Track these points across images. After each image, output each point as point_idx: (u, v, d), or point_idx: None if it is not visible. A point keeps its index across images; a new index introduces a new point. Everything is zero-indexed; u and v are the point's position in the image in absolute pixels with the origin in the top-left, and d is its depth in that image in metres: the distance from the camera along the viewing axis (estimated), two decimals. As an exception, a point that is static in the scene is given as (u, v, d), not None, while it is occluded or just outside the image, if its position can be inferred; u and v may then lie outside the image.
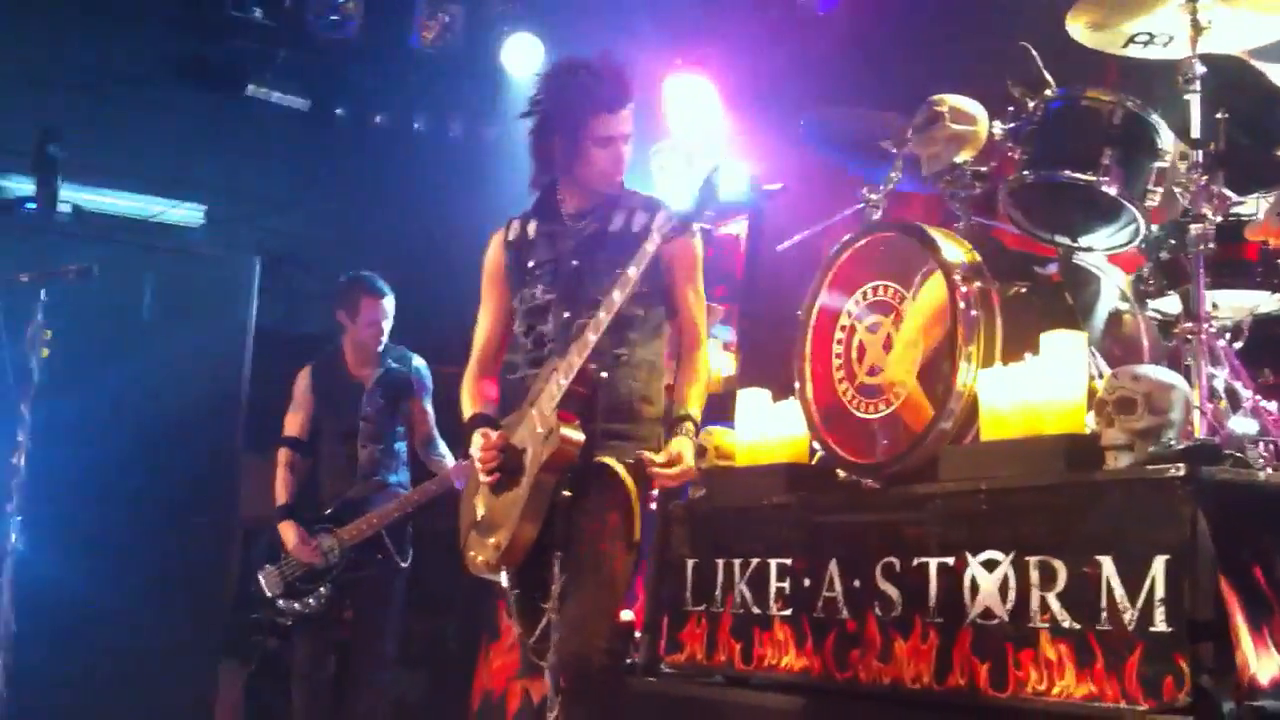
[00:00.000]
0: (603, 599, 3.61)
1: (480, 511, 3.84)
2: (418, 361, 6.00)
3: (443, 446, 5.92)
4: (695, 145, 7.13)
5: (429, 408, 5.97)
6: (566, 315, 3.78)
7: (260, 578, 5.69)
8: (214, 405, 6.96)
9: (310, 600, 5.62)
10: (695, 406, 3.81)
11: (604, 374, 3.74)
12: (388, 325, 5.92)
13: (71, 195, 7.25)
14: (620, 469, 3.72)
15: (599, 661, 3.54)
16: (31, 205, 7.17)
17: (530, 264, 3.93)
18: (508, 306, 4.01)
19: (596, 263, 3.78)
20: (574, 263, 3.83)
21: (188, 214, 7.69)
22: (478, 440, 3.82)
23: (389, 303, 5.91)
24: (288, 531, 5.64)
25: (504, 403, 3.99)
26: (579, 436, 3.64)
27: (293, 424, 5.97)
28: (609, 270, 3.66)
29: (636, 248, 3.63)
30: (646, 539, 3.95)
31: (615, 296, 3.62)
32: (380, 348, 5.92)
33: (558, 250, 3.89)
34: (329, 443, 5.89)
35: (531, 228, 3.97)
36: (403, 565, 5.72)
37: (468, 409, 3.97)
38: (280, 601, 5.63)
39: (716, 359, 6.26)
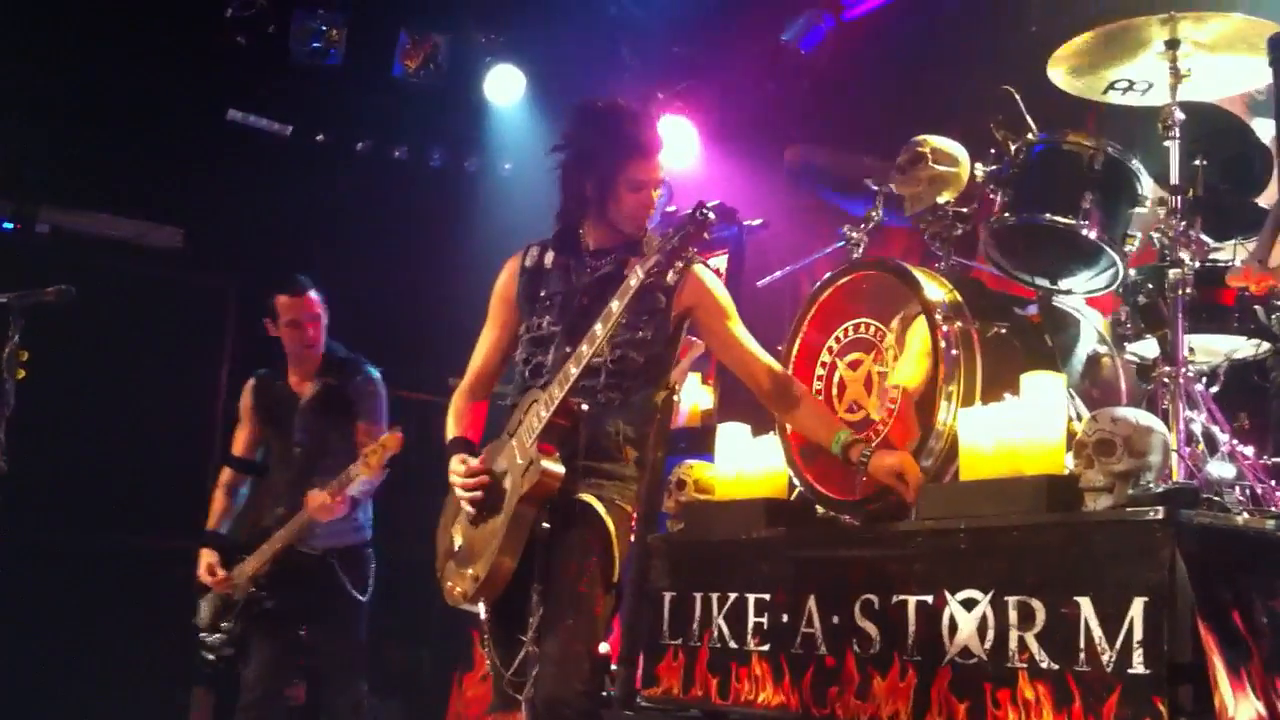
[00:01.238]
0: (580, 638, 3.58)
1: (458, 542, 3.81)
2: (365, 373, 5.49)
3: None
4: (677, 180, 7.15)
5: (377, 426, 5.41)
6: (568, 350, 3.74)
7: (200, 604, 5.43)
8: (189, 429, 6.96)
9: (219, 635, 5.32)
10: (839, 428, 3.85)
11: (585, 407, 3.72)
12: (315, 328, 5.45)
13: (50, 216, 7.24)
14: (600, 508, 3.70)
15: (576, 703, 3.53)
16: (9, 226, 7.16)
17: (541, 294, 3.91)
18: (511, 332, 3.99)
19: (601, 306, 3.72)
20: (584, 300, 3.80)
21: (166, 237, 7.65)
22: (457, 466, 3.79)
23: (312, 299, 5.46)
24: (200, 558, 5.36)
25: (489, 429, 3.98)
26: (559, 469, 3.63)
27: (237, 441, 5.64)
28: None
29: (648, 295, 3.64)
30: (625, 571, 3.94)
31: (597, 330, 3.61)
32: (317, 359, 5.47)
33: (570, 285, 3.87)
34: (274, 464, 5.55)
35: (549, 258, 3.95)
36: (360, 598, 5.40)
37: (451, 430, 3.94)
38: (205, 635, 5.37)
39: (696, 393, 6.27)
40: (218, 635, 5.29)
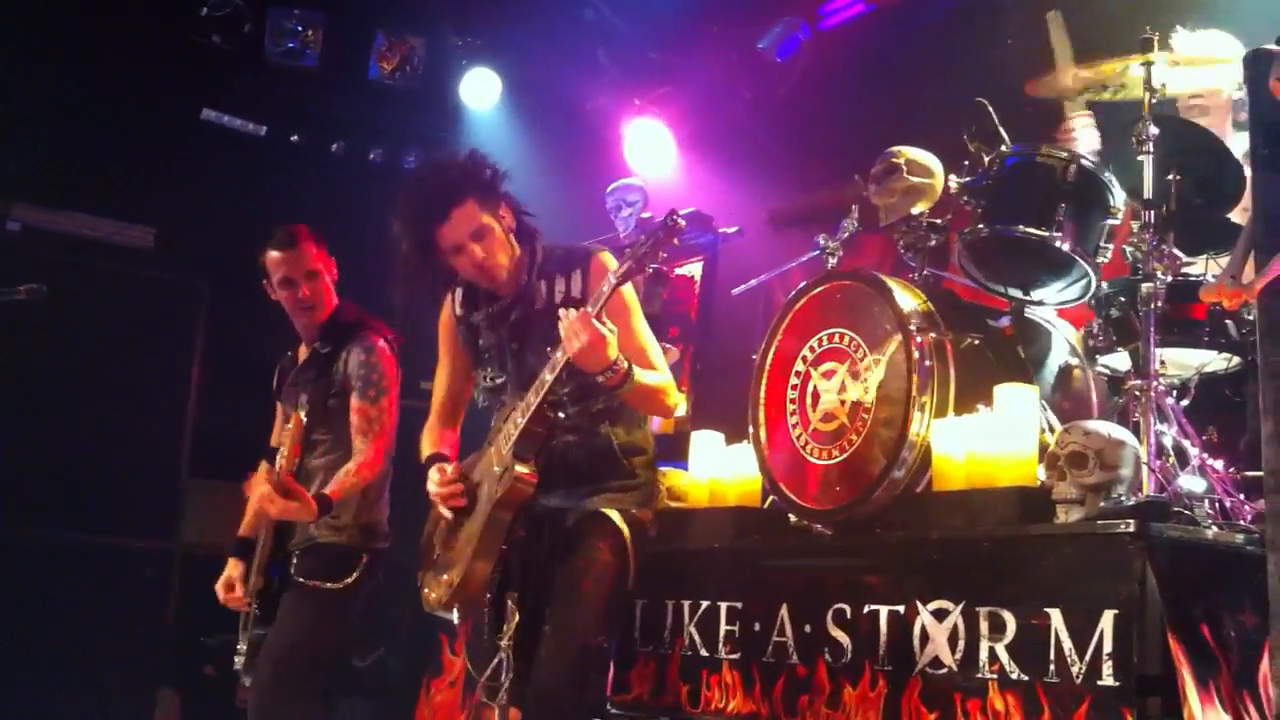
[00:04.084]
0: (578, 634, 3.63)
1: (437, 550, 3.86)
2: (363, 340, 4.62)
3: (353, 464, 4.45)
4: (653, 187, 7.16)
5: (365, 402, 4.54)
6: (522, 394, 3.80)
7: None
8: (159, 430, 6.92)
9: (237, 654, 4.60)
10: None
11: (562, 415, 3.75)
12: (313, 287, 4.64)
13: (21, 214, 7.19)
14: (616, 516, 3.77)
15: (568, 696, 3.56)
16: (-20, 223, 7.12)
17: (480, 344, 3.98)
18: (464, 365, 4.07)
19: (532, 342, 3.80)
20: (513, 345, 3.88)
21: (138, 236, 7.61)
22: (434, 475, 3.83)
23: (307, 252, 4.65)
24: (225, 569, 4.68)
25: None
26: (532, 474, 3.67)
27: (275, 430, 4.90)
28: (547, 344, 3.66)
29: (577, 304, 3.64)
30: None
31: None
32: (318, 323, 4.67)
33: (498, 335, 3.92)
34: None
35: (472, 312, 4.00)
36: (314, 584, 4.46)
37: (426, 450, 4.01)
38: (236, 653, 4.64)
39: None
40: (236, 656, 4.59)
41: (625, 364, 3.57)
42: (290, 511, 4.33)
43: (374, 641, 5.63)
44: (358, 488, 4.47)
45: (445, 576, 3.75)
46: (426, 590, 3.85)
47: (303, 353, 4.82)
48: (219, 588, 4.66)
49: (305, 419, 4.49)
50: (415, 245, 3.81)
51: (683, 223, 3.53)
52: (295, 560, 4.49)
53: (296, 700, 4.42)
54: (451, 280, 3.97)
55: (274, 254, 4.64)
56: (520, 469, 3.66)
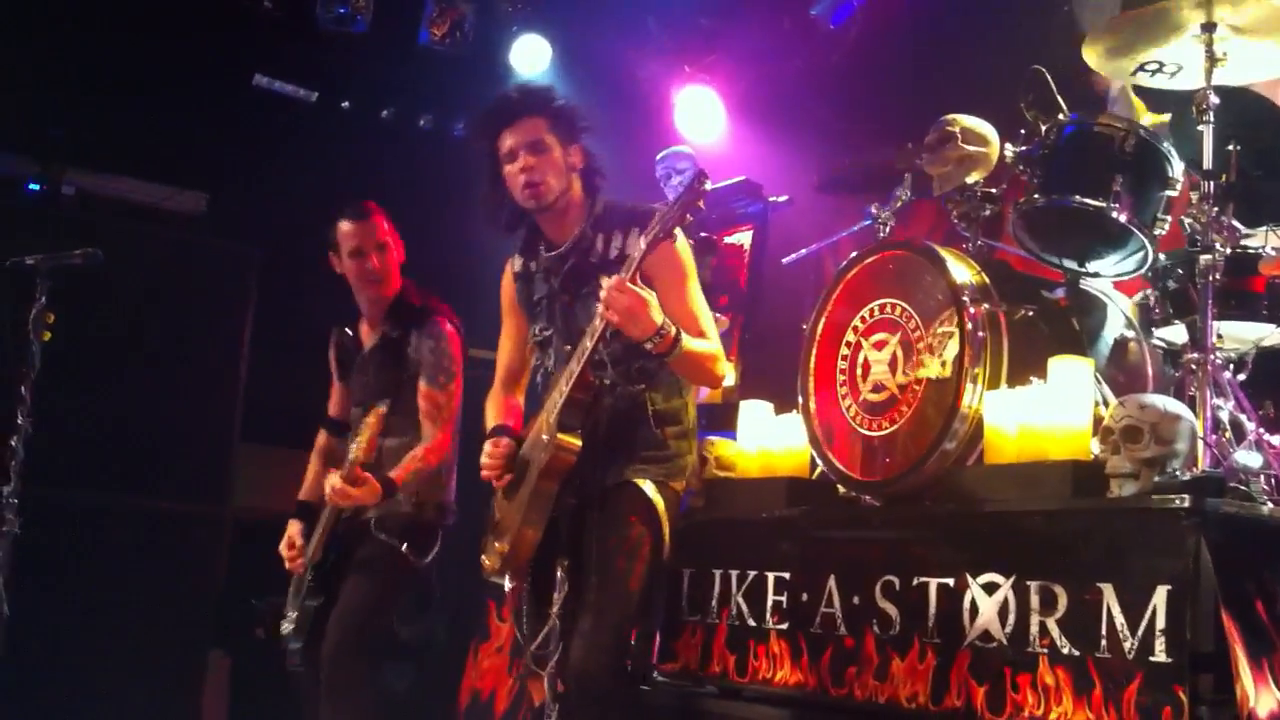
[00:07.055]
0: (613, 611, 3.64)
1: (498, 516, 3.90)
2: (430, 323, 4.75)
3: (420, 449, 4.64)
4: (702, 154, 7.12)
5: (435, 388, 4.71)
6: (567, 349, 3.83)
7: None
8: (211, 394, 6.96)
9: (285, 621, 4.78)
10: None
11: (608, 382, 3.75)
12: (382, 259, 4.77)
13: (75, 179, 7.25)
14: (649, 488, 3.76)
15: (603, 677, 3.58)
16: (35, 188, 7.17)
17: (534, 299, 4.00)
18: (524, 329, 4.09)
19: (581, 295, 3.81)
20: (565, 299, 3.88)
21: (191, 202, 7.65)
22: (487, 447, 3.89)
23: (379, 224, 4.79)
24: (286, 530, 4.85)
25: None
26: (575, 443, 3.68)
27: (331, 399, 5.07)
28: (596, 300, 3.63)
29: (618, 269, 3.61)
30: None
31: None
32: (386, 301, 4.80)
33: (550, 286, 3.93)
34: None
35: (531, 264, 4.02)
36: (399, 546, 4.63)
37: (491, 420, 4.06)
38: (282, 621, 4.82)
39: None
40: (284, 623, 4.76)
41: (673, 330, 3.55)
42: (358, 500, 4.52)
43: (423, 612, 5.69)
44: (423, 473, 4.66)
45: (499, 544, 3.79)
46: (483, 557, 3.91)
47: (365, 331, 4.93)
48: (283, 548, 4.81)
49: (385, 411, 4.58)
50: (484, 153, 3.87)
51: (708, 184, 3.49)
52: (374, 522, 4.65)
53: (365, 659, 4.60)
54: (517, 222, 3.98)
55: (345, 225, 4.78)
56: (562, 437, 3.67)
